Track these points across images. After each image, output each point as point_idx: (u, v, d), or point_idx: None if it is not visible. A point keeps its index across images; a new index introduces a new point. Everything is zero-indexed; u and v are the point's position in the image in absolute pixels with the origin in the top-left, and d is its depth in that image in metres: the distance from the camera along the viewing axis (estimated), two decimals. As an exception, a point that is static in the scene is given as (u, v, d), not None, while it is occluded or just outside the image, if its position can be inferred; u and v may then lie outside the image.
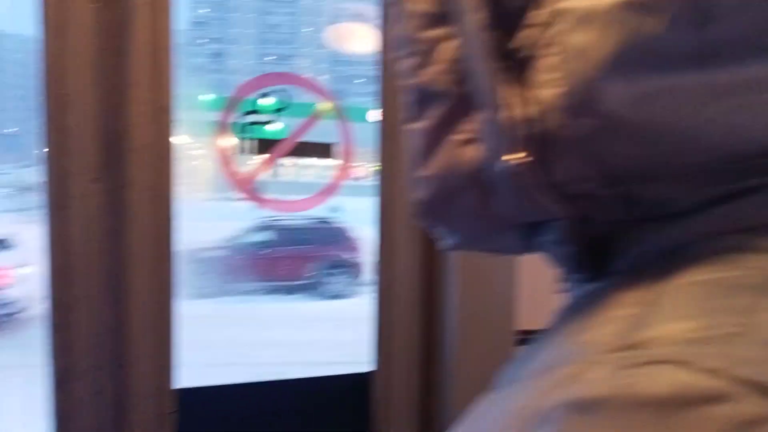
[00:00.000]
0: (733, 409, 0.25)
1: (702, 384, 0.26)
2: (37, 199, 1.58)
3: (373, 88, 1.89)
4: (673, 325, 0.29)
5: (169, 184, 1.65)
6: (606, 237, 0.37)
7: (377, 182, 1.91)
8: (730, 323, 0.29)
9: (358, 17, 2.66)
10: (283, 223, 6.96)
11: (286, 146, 2.04)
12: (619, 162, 0.33)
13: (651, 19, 0.29)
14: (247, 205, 2.12)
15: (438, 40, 0.37)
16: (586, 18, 0.31)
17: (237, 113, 1.97)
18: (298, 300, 6.97)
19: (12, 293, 5.70)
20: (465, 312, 1.87)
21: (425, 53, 0.37)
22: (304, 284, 7.02)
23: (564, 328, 0.36)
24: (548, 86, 0.32)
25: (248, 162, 2.03)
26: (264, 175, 2.07)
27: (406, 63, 0.39)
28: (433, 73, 0.37)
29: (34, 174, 1.56)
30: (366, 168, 1.92)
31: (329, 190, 2.13)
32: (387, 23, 1.86)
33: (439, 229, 0.42)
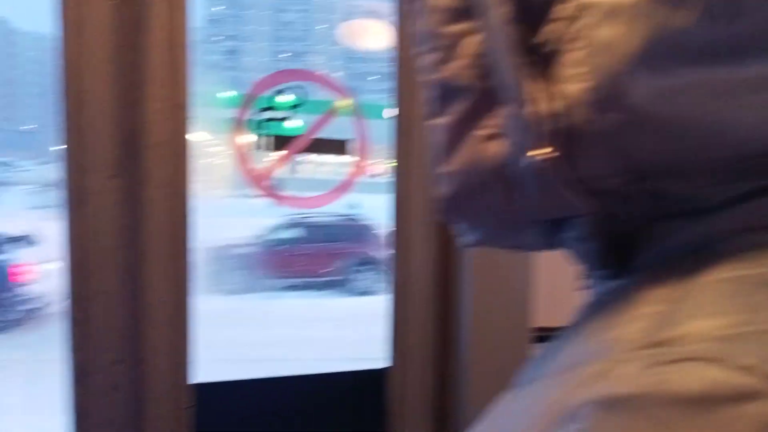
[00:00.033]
0: (767, 407, 0.25)
1: (735, 381, 0.26)
2: (57, 196, 1.59)
3: (388, 84, 1.89)
4: (702, 323, 0.29)
5: (185, 181, 1.65)
6: (630, 233, 0.36)
7: (392, 179, 1.91)
8: (761, 320, 0.28)
9: (372, 14, 2.66)
10: (311, 220, 7.04)
11: (301, 143, 2.04)
12: (645, 157, 0.33)
13: (680, 13, 0.29)
14: (265, 202, 2.13)
15: (461, 35, 0.36)
16: (612, 12, 0.31)
17: (253, 110, 1.98)
18: (327, 297, 7.03)
19: (36, 289, 5.77)
20: (480, 309, 1.87)
21: (448, 48, 0.37)
22: (332, 281, 7.08)
23: (587, 325, 0.35)
24: (574, 81, 0.32)
25: (264, 159, 2.03)
26: (281, 172, 2.08)
27: (429, 58, 0.38)
28: (456, 68, 0.37)
29: (53, 170, 1.57)
30: (384, 165, 1.92)
31: (344, 187, 2.13)
32: (402, 19, 1.86)
33: (461, 225, 0.42)
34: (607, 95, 0.31)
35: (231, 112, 1.97)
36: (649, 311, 0.31)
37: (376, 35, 2.63)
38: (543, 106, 0.33)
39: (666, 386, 0.27)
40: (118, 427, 1.65)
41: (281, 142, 2.02)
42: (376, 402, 1.95)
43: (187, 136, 1.65)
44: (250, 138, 2.00)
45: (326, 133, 2.07)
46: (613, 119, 0.32)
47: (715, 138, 0.32)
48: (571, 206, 0.35)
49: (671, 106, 0.31)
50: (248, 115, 1.98)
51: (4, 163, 12.02)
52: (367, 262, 7.00)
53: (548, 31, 0.33)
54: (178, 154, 1.64)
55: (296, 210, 6.36)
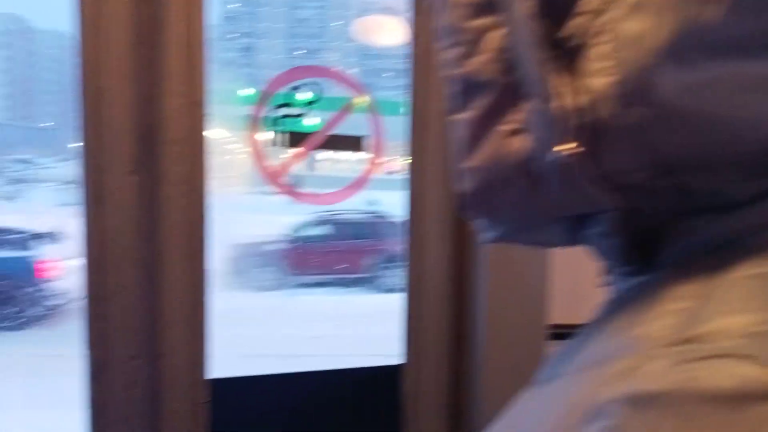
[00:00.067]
0: None
1: (766, 378, 0.26)
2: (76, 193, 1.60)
3: (403, 81, 1.88)
4: (731, 319, 0.29)
5: (202, 178, 1.66)
6: (654, 229, 0.36)
7: (407, 176, 1.91)
8: None
9: (386, 10, 2.66)
10: (339, 217, 7.11)
11: (317, 140, 2.04)
12: (672, 152, 0.32)
13: (709, 7, 0.29)
14: (285, 200, 2.14)
15: (485, 30, 0.36)
16: (639, 5, 0.30)
17: (269, 107, 1.98)
18: (355, 294, 7.08)
19: (60, 285, 5.83)
20: (496, 306, 1.87)
21: (471, 43, 0.37)
22: (360, 278, 7.13)
23: (611, 322, 0.35)
24: (600, 75, 0.32)
25: (281, 156, 2.04)
26: (299, 169, 2.08)
27: (451, 53, 0.38)
28: (480, 63, 0.36)
29: (73, 168, 1.59)
30: (401, 162, 1.92)
31: (359, 183, 2.14)
32: (416, 15, 1.86)
33: (482, 221, 0.41)
34: (634, 89, 0.31)
35: (247, 109, 1.97)
36: (676, 308, 0.31)
37: (391, 31, 2.62)
38: (568, 101, 0.32)
39: (695, 383, 0.27)
40: (135, 423, 1.66)
41: (297, 138, 2.02)
42: (390, 398, 1.95)
43: (205, 133, 1.66)
44: (266, 135, 2.00)
45: (342, 129, 2.07)
46: (640, 113, 0.31)
47: (742, 132, 0.31)
48: (595, 202, 0.34)
49: (698, 100, 0.30)
50: (264, 112, 1.98)
51: (25, 161, 12.15)
52: (395, 259, 7.03)
53: (573, 25, 0.33)
54: (195, 150, 1.65)
55: (316, 207, 6.42)
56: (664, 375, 0.28)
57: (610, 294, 0.39)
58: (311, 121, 2.04)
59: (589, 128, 0.32)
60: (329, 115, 2.06)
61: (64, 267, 5.83)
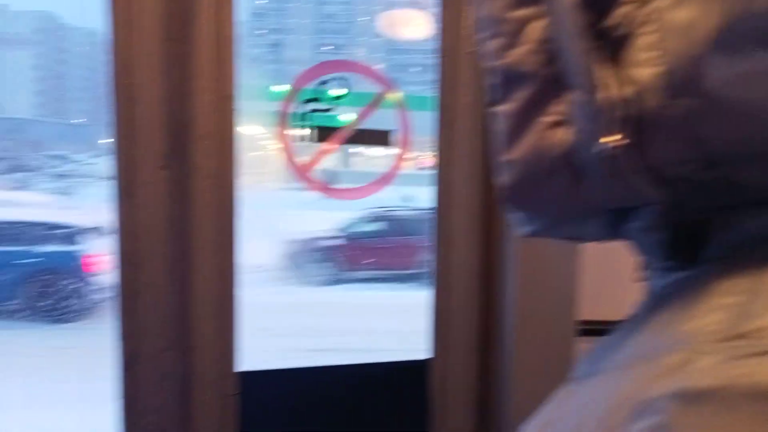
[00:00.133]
0: None
1: None
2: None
3: (430, 75, 1.88)
4: None
5: (232, 172, 1.68)
6: (699, 223, 0.35)
7: (435, 170, 1.91)
8: None
9: (413, 4, 2.65)
10: (394, 213, 7.17)
11: (345, 134, 2.05)
12: (719, 144, 0.32)
13: None
14: (316, 195, 2.15)
15: (526, 20, 0.36)
16: None
17: (297, 102, 1.99)
18: (409, 289, 7.12)
19: (106, 279, 5.95)
20: (524, 301, 1.86)
21: (512, 33, 0.36)
22: (414, 274, 7.19)
23: (654, 318, 0.34)
24: (646, 65, 0.31)
25: (310, 151, 2.05)
26: (332, 165, 2.08)
27: (492, 44, 0.38)
28: (521, 54, 0.36)
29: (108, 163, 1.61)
30: (432, 157, 1.91)
31: (387, 178, 2.14)
32: (444, 9, 1.85)
33: (520, 214, 0.41)
34: (681, 80, 0.30)
35: (276, 105, 1.98)
36: (725, 303, 0.31)
37: (417, 25, 2.62)
38: (613, 92, 0.32)
39: (748, 380, 0.26)
40: (165, 414, 1.69)
41: (326, 133, 2.03)
42: (419, 392, 1.96)
43: (234, 128, 1.67)
44: (295, 130, 2.01)
45: (370, 124, 2.07)
46: (687, 105, 0.31)
47: None
48: (639, 195, 0.34)
49: (748, 90, 0.30)
50: (293, 107, 1.99)
51: (61, 156, 12.35)
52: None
53: (618, 14, 0.32)
54: (224, 145, 1.66)
55: (365, 203, 6.52)
56: (715, 371, 0.27)
57: (649, 290, 0.39)
58: (339, 115, 2.05)
59: (635, 120, 0.32)
60: (357, 109, 2.06)
61: (109, 261, 5.95)
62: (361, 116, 2.05)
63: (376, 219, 7.35)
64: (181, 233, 1.65)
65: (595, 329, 1.72)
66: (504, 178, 0.39)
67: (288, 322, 5.93)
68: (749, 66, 0.29)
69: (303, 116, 2.00)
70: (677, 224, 0.36)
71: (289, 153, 2.01)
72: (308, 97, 2.00)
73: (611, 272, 1.75)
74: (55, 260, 6.43)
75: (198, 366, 1.70)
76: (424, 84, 1.98)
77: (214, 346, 1.70)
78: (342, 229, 7.38)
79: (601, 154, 0.33)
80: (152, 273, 1.64)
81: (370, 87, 2.07)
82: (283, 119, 1.99)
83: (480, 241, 1.92)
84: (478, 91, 1.85)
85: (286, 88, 1.98)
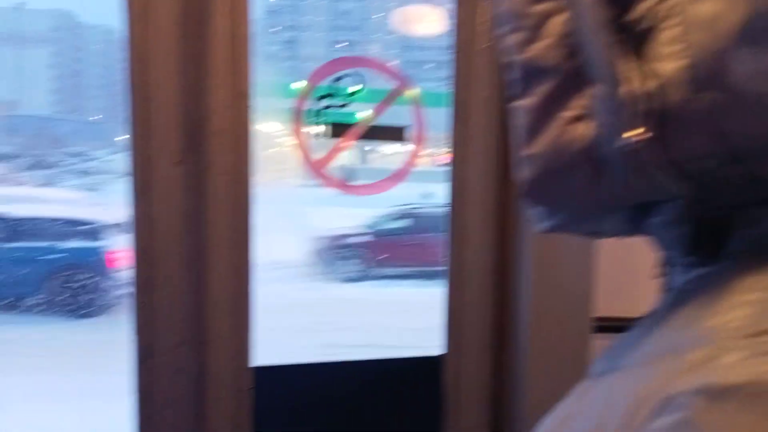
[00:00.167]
0: None
1: None
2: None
3: (445, 72, 1.88)
4: None
5: (248, 168, 1.68)
6: (721, 218, 0.35)
7: (450, 167, 1.90)
8: None
9: (427, 0, 2.64)
10: (419, 211, 7.21)
11: (360, 130, 2.05)
12: (743, 138, 0.31)
13: None
14: (331, 192, 2.16)
15: (547, 15, 0.36)
16: None
17: (312, 99, 1.99)
18: (434, 286, 7.17)
19: (129, 274, 6.03)
20: (539, 297, 1.85)
21: (533, 28, 0.36)
22: (439, 271, 7.23)
23: (675, 314, 0.34)
24: (670, 59, 0.31)
25: (326, 147, 2.05)
26: (347, 162, 2.08)
27: (512, 38, 0.37)
28: (542, 48, 0.36)
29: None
30: (449, 153, 1.91)
31: (400, 175, 2.14)
32: (459, 5, 1.85)
33: (540, 209, 0.41)
34: (705, 73, 0.30)
35: (292, 102, 1.99)
36: (749, 299, 0.30)
37: (432, 22, 2.61)
38: (636, 86, 0.32)
39: None
40: (180, 408, 1.70)
41: (341, 130, 2.03)
42: (433, 388, 1.96)
43: (250, 124, 1.68)
44: (311, 127, 2.01)
45: (385, 120, 2.07)
46: (711, 98, 0.30)
47: None
48: (662, 189, 0.34)
49: None
50: (307, 104, 2.00)
51: (80, 153, 12.44)
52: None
53: (641, 8, 0.32)
54: (240, 141, 1.67)
55: (392, 200, 6.67)
56: (740, 367, 0.27)
57: (669, 286, 0.39)
58: (354, 111, 2.05)
59: (658, 113, 0.32)
60: (372, 106, 2.06)
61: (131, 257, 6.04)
62: (376, 112, 2.05)
63: (402, 216, 7.39)
64: (196, 229, 1.66)
65: (611, 326, 1.71)
66: (524, 173, 0.39)
67: (311, 318, 5.97)
68: None
69: (318, 113, 2.00)
70: (700, 219, 0.36)
71: (304, 150, 2.02)
72: (323, 93, 2.00)
73: (627, 268, 1.74)
74: (78, 256, 6.56)
75: (213, 361, 1.71)
76: (439, 80, 1.98)
77: (228, 341, 1.71)
78: (368, 226, 7.44)
79: (623, 149, 0.33)
80: (167, 268, 1.65)
81: (384, 83, 2.07)
82: (299, 116, 1.99)
83: (495, 237, 1.92)
84: (494, 87, 1.85)
85: (302, 85, 1.98)
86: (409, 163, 2.13)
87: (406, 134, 2.07)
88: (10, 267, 6.43)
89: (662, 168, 0.33)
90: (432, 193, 6.39)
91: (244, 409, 1.75)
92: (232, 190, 1.67)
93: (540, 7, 0.36)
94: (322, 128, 2.01)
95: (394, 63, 2.10)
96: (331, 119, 2.01)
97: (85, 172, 10.87)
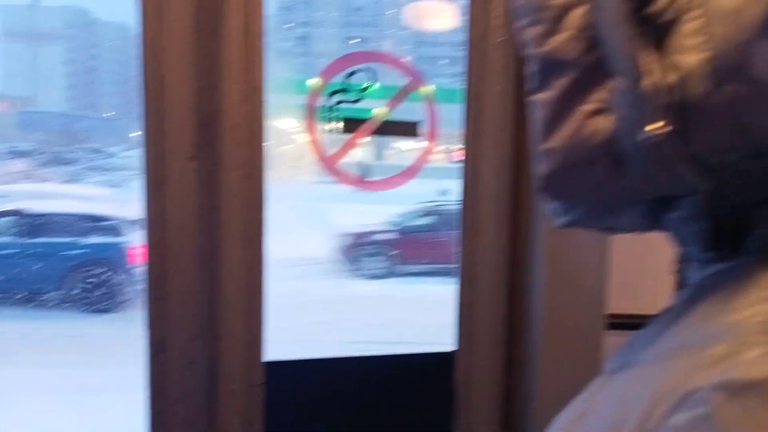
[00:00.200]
0: None
1: None
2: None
3: (458, 68, 1.87)
4: None
5: (261, 163, 1.69)
6: (740, 214, 0.35)
7: (462, 163, 1.90)
8: None
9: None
10: (444, 208, 7.26)
11: (373, 125, 2.05)
12: (766, 131, 0.31)
13: None
14: (347, 188, 2.16)
15: (567, 7, 0.35)
16: None
17: (325, 94, 1.99)
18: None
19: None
20: (552, 293, 1.84)
21: (553, 20, 0.36)
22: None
23: (694, 309, 0.34)
24: (691, 51, 0.31)
25: (339, 143, 2.05)
26: (363, 158, 2.07)
27: (532, 31, 0.37)
28: (561, 41, 0.36)
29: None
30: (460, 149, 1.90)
31: (413, 170, 2.13)
32: (472, 0, 1.84)
33: (557, 204, 0.40)
34: (727, 66, 0.30)
35: (304, 98, 1.99)
36: None
37: (445, 17, 2.60)
38: (657, 79, 0.31)
39: None
40: (192, 402, 1.71)
41: (354, 125, 2.03)
42: (444, 385, 1.95)
43: (263, 120, 1.68)
44: (324, 123, 2.02)
45: (397, 115, 2.07)
46: (733, 91, 0.30)
47: None
48: (683, 183, 0.33)
49: None
50: (321, 100, 2.00)
51: (97, 150, 12.53)
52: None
53: (662, 0, 0.32)
54: (254, 136, 1.67)
55: (414, 198, 6.71)
56: (763, 363, 0.27)
57: (686, 282, 0.38)
58: (367, 107, 2.05)
59: (679, 107, 0.31)
60: (385, 102, 2.06)
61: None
62: (389, 108, 2.05)
63: (427, 214, 7.45)
64: (209, 224, 1.67)
65: (624, 323, 1.70)
66: (542, 168, 0.38)
67: (334, 314, 5.99)
68: None
69: (331, 109, 2.00)
70: (719, 215, 0.36)
71: (318, 146, 2.02)
72: (336, 88, 2.00)
73: (640, 266, 1.73)
74: (99, 252, 6.67)
75: (224, 356, 1.71)
76: (452, 76, 1.97)
77: (240, 336, 1.72)
78: (392, 224, 7.51)
79: (644, 142, 0.32)
80: (181, 263, 1.66)
81: (397, 79, 2.07)
82: (312, 112, 1.99)
83: (507, 233, 1.91)
84: (507, 83, 1.84)
85: (316, 81, 1.98)
86: (422, 159, 2.13)
87: (420, 129, 2.07)
88: (31, 262, 6.54)
89: (683, 162, 0.32)
90: (449, 190, 6.40)
91: (255, 404, 1.76)
92: (245, 186, 1.67)
93: (559, 0, 0.36)
94: (335, 124, 2.01)
95: (407, 59, 2.10)
96: (343, 115, 2.01)
97: (106, 169, 10.96)
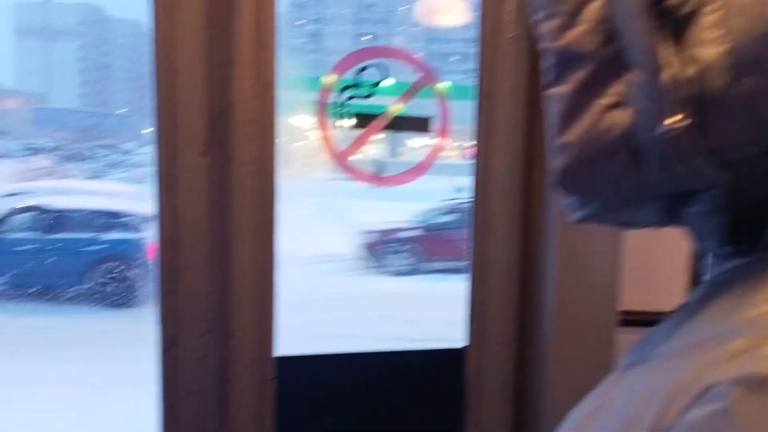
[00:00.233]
0: None
1: None
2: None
3: (470, 64, 1.86)
4: None
5: (272, 158, 1.69)
6: (759, 208, 0.34)
7: (474, 159, 1.89)
8: None
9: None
10: (468, 205, 7.33)
11: (384, 121, 2.05)
12: None
13: None
14: (361, 185, 2.16)
15: (585, 0, 0.35)
16: None
17: (337, 90, 2.00)
18: None
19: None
20: (564, 290, 1.83)
21: (570, 14, 0.36)
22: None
23: (710, 305, 0.34)
24: (710, 44, 0.30)
25: (351, 139, 2.05)
26: (377, 155, 2.08)
27: (549, 25, 0.37)
28: (578, 34, 0.35)
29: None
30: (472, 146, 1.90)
31: (423, 166, 2.13)
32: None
33: (573, 198, 0.40)
34: (746, 59, 0.29)
35: (316, 95, 1.99)
36: None
37: (457, 13, 2.60)
38: (676, 72, 0.31)
39: None
40: (204, 397, 1.72)
41: (366, 121, 2.03)
42: (455, 380, 1.95)
43: (275, 115, 1.68)
44: (335, 119, 2.02)
45: (410, 111, 2.07)
46: (751, 84, 0.30)
47: None
48: (701, 178, 0.33)
49: None
50: (333, 96, 2.00)
51: (111, 146, 12.60)
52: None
53: None
54: (265, 131, 1.67)
55: (439, 195, 6.72)
56: None
57: (703, 277, 0.38)
58: (379, 103, 2.05)
59: (698, 100, 0.31)
60: (397, 98, 2.06)
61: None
62: (401, 102, 2.05)
63: (451, 211, 7.48)
64: (220, 219, 1.67)
65: (637, 320, 1.69)
66: (558, 162, 0.38)
67: (358, 311, 6.02)
68: None
69: (342, 104, 2.00)
70: (737, 210, 0.35)
71: (330, 142, 2.02)
72: (347, 84, 2.00)
73: (653, 262, 1.72)
74: (119, 247, 6.77)
75: (236, 350, 1.72)
76: (464, 73, 1.97)
77: (252, 330, 1.72)
78: (417, 221, 7.56)
79: (662, 136, 0.32)
80: (192, 258, 1.67)
81: (409, 75, 2.07)
82: (324, 108, 1.99)
83: (519, 229, 1.91)
84: (519, 79, 1.83)
85: (328, 77, 1.98)
86: (432, 156, 2.13)
87: (431, 125, 2.07)
88: (52, 257, 6.62)
89: (702, 155, 0.32)
90: (464, 188, 6.41)
91: (266, 399, 1.77)
92: (257, 181, 1.68)
93: None
94: (346, 120, 2.01)
95: (419, 55, 2.09)
96: (355, 110, 2.01)
97: (124, 165, 11.04)
